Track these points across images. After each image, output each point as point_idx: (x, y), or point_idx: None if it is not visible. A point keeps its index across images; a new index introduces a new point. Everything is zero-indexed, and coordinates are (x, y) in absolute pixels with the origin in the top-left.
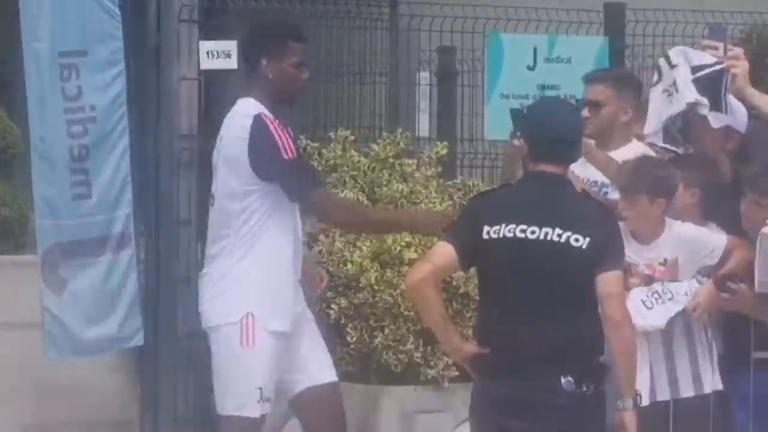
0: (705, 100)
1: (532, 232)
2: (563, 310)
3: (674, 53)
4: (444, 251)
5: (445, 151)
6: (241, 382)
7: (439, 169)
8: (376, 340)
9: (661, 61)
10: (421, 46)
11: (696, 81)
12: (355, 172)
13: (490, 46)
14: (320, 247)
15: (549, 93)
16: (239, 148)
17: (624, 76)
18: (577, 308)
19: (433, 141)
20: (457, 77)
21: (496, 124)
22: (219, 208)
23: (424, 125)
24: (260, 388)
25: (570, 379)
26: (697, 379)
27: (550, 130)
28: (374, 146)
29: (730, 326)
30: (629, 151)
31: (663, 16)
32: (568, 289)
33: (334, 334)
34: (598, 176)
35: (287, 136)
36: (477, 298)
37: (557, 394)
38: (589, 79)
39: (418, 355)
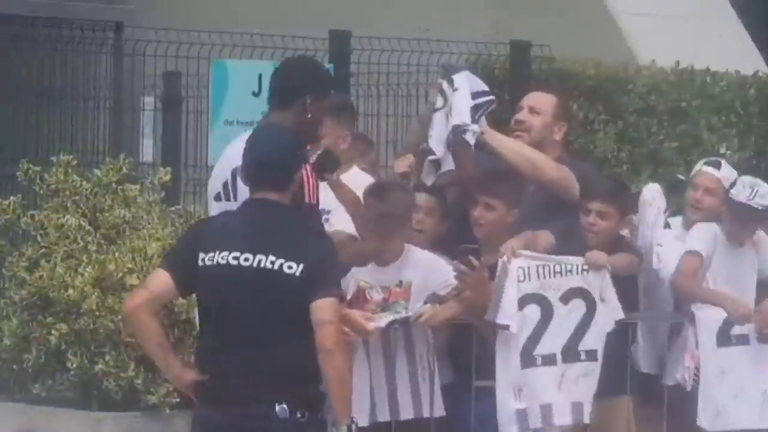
0: (476, 127)
1: (246, 260)
2: (278, 337)
3: (458, 78)
4: (160, 279)
5: (168, 177)
6: None
7: (163, 194)
8: (97, 366)
9: (445, 85)
10: (146, 71)
11: (475, 107)
12: (77, 197)
13: (215, 72)
14: (41, 273)
15: None
16: None
17: (339, 105)
18: (292, 335)
19: (157, 166)
20: (182, 103)
21: (221, 151)
22: None
23: (148, 150)
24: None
25: (285, 406)
26: (417, 404)
27: (259, 156)
28: (97, 171)
29: (455, 356)
30: (349, 177)
31: (388, 45)
32: (282, 316)
33: (54, 360)
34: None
35: None
36: None
37: (272, 421)
38: None
39: (139, 381)
